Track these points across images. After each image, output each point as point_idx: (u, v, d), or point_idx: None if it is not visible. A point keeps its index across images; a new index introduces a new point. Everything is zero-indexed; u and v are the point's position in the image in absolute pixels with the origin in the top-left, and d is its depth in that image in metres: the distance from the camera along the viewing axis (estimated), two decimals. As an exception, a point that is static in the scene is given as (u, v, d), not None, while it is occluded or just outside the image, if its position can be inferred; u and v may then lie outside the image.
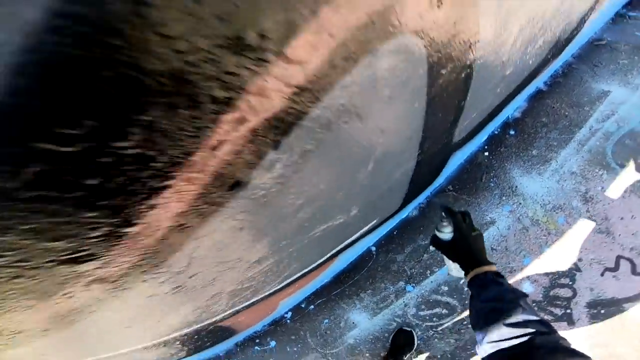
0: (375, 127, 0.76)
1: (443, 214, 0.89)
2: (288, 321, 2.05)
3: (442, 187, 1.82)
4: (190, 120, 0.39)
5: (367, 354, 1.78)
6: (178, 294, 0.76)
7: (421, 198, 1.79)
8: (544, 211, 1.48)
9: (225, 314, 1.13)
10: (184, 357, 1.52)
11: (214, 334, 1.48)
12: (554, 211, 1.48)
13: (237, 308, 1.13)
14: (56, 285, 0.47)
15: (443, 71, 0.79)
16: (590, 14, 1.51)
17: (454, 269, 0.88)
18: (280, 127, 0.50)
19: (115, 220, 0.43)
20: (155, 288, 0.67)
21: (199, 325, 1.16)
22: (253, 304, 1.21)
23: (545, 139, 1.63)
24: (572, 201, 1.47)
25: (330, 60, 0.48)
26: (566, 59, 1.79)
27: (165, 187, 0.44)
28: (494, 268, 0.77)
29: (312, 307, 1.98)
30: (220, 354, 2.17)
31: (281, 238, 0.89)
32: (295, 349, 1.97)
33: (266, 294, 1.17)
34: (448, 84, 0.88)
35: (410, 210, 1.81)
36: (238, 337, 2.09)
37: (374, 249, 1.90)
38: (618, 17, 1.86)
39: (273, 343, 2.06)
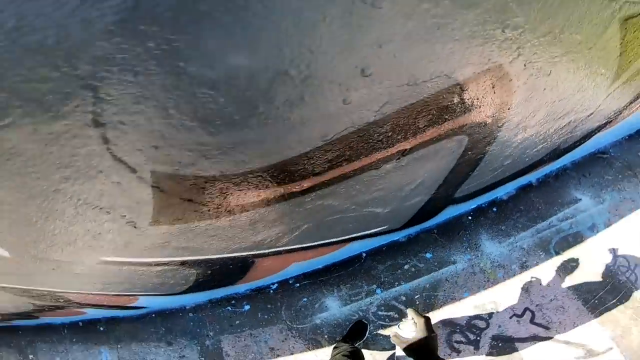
0: (424, 168, 1.31)
1: (409, 314, 1.05)
2: (271, 291, 2.38)
3: (430, 228, 2.37)
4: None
5: (325, 335, 2.21)
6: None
7: (413, 230, 2.32)
8: (491, 266, 2.06)
9: (269, 250, 1.59)
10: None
11: (232, 270, 1.84)
12: (498, 268, 2.07)
13: (278, 248, 1.59)
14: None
15: (470, 153, 1.36)
16: (599, 131, 1.97)
17: None
18: (405, 153, 1.04)
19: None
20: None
21: (236, 254, 1.56)
22: (286, 251, 1.67)
23: (515, 221, 2.25)
24: (513, 265, 2.07)
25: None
26: (564, 164, 2.35)
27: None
28: None
29: (297, 284, 2.39)
30: (187, 306, 2.41)
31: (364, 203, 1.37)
32: (266, 316, 2.30)
33: (301, 246, 1.66)
34: (468, 160, 1.45)
35: (401, 235, 2.35)
36: (219, 293, 2.34)
37: (364, 254, 2.39)
38: (637, 134, 2.37)
39: (247, 307, 2.36)
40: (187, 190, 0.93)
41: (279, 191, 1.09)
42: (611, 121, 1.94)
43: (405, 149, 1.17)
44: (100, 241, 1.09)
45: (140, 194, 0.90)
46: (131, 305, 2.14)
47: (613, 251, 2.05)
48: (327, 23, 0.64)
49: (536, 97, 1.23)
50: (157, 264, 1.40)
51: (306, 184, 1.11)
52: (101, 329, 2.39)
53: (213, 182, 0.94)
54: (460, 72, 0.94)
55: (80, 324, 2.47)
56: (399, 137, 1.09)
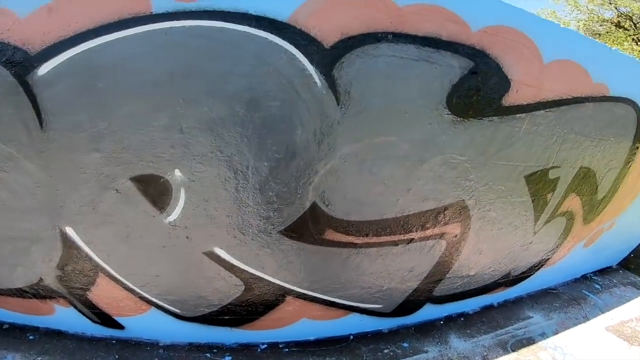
0: (419, 257, 2.05)
1: None
2: (259, 350, 2.56)
3: (408, 326, 2.82)
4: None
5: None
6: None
7: (395, 324, 2.83)
8: (457, 356, 2.56)
9: (302, 290, 2.10)
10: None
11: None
12: (463, 358, 2.46)
13: (309, 292, 2.10)
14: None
15: (446, 256, 2.11)
16: (541, 267, 2.90)
17: None
18: (411, 242, 1.80)
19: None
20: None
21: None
22: (310, 297, 2.17)
23: (478, 327, 2.86)
24: (476, 357, 2.49)
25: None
26: (520, 294, 3.21)
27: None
28: None
29: (287, 350, 2.63)
30: (160, 342, 2.29)
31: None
32: (244, 375, 2.68)
33: (320, 296, 2.15)
34: (445, 262, 2.30)
35: (385, 326, 2.78)
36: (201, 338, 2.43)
37: (351, 336, 2.74)
38: (582, 279, 3.27)
39: (228, 359, 2.39)
40: (317, 218, 1.81)
41: (348, 239, 1.91)
42: (549, 258, 2.73)
43: (413, 238, 1.97)
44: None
45: (295, 210, 1.76)
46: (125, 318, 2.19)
47: (560, 349, 2.49)
48: (404, 169, 1.66)
49: (484, 227, 2.06)
50: (236, 270, 1.91)
51: (361, 240, 1.94)
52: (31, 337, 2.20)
53: (327, 219, 1.80)
54: (445, 200, 1.98)
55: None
56: (412, 228, 2.07)
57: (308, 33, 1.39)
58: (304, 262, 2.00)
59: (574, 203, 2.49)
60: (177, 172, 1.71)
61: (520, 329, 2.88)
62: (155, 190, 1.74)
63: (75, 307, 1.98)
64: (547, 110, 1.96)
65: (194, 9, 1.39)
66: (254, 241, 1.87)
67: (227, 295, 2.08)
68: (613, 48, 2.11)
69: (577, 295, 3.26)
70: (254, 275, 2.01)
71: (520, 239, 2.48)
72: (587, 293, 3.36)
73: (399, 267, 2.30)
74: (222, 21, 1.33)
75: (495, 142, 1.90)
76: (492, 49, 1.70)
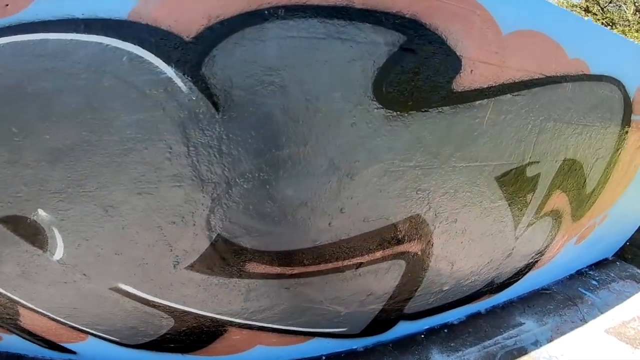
0: (375, 280, 1.68)
1: None
2: None
3: (386, 342, 2.47)
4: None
5: None
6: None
7: (370, 341, 2.41)
8: None
9: (246, 321, 1.77)
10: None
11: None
12: None
13: (254, 322, 1.77)
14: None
15: (410, 275, 1.73)
16: (530, 270, 2.42)
17: None
18: (360, 266, 1.42)
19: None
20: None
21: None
22: (258, 327, 1.83)
23: (463, 339, 2.43)
24: None
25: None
26: (510, 297, 2.70)
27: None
28: None
29: None
30: None
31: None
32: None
33: (271, 325, 1.83)
34: (410, 281, 1.81)
35: (359, 345, 2.42)
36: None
37: (324, 357, 2.42)
38: (577, 274, 2.83)
39: None
40: (229, 252, 1.41)
41: (276, 270, 1.49)
42: (537, 261, 2.34)
43: (361, 262, 1.59)
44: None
45: (200, 244, 1.36)
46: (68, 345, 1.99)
47: (555, 359, 2.14)
48: (329, 187, 1.26)
49: (452, 238, 1.67)
50: (154, 305, 1.55)
51: (295, 270, 1.52)
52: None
53: (245, 252, 1.41)
54: (394, 217, 1.50)
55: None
56: (357, 252, 1.56)
57: (158, 27, 1.00)
58: (231, 295, 1.55)
59: (560, 200, 1.95)
60: (41, 212, 1.40)
61: (511, 338, 2.40)
62: (27, 231, 1.46)
63: (18, 335, 1.89)
64: (515, 93, 1.41)
65: (9, 24, 0.99)
66: (161, 276, 1.42)
67: (159, 326, 1.80)
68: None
69: (573, 295, 2.74)
70: (177, 308, 1.58)
71: (500, 247, 2.00)
72: (584, 291, 2.84)
73: (354, 292, 1.75)
74: (44, 32, 1.00)
75: (450, 139, 1.39)
76: (428, 18, 1.19)
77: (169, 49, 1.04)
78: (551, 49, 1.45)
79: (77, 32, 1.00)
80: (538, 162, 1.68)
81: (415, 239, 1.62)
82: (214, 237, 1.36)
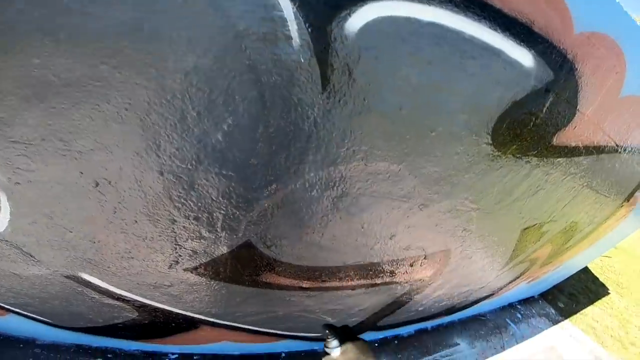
0: (376, 298, 1.54)
1: (327, 332, 0.92)
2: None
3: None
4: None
5: None
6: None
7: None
8: None
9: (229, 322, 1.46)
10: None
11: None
12: None
13: (237, 324, 1.47)
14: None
15: (404, 297, 1.64)
16: (484, 300, 2.57)
17: None
18: (374, 285, 1.18)
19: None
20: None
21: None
22: (235, 327, 1.57)
23: (408, 353, 2.58)
24: None
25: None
26: (453, 319, 2.94)
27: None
28: None
29: None
30: (38, 342, 1.74)
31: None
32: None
33: (253, 328, 1.55)
34: (400, 301, 1.77)
35: (319, 346, 2.32)
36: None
37: (283, 354, 2.26)
38: (508, 306, 3.14)
39: None
40: (248, 259, 1.10)
41: (293, 283, 1.24)
42: (494, 294, 2.49)
43: (376, 283, 1.44)
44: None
45: (217, 249, 1.03)
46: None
47: None
48: (396, 212, 1.03)
49: (457, 271, 1.60)
50: (122, 299, 1.15)
51: (312, 284, 1.29)
52: None
53: (266, 260, 1.11)
54: (428, 249, 1.37)
55: None
56: (378, 274, 1.38)
57: None
58: (225, 299, 1.35)
59: (544, 252, 2.06)
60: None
61: (446, 356, 2.60)
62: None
63: None
64: (585, 156, 1.31)
65: None
66: (146, 273, 1.12)
67: (116, 317, 1.40)
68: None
69: (500, 324, 3.08)
70: (150, 305, 1.33)
71: (482, 281, 2.06)
72: (509, 322, 3.21)
73: (349, 307, 1.73)
74: None
75: (518, 188, 1.26)
76: (583, 62, 0.96)
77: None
78: (635, 121, 1.36)
79: None
80: (556, 221, 1.66)
81: (431, 269, 1.48)
82: (236, 244, 1.03)
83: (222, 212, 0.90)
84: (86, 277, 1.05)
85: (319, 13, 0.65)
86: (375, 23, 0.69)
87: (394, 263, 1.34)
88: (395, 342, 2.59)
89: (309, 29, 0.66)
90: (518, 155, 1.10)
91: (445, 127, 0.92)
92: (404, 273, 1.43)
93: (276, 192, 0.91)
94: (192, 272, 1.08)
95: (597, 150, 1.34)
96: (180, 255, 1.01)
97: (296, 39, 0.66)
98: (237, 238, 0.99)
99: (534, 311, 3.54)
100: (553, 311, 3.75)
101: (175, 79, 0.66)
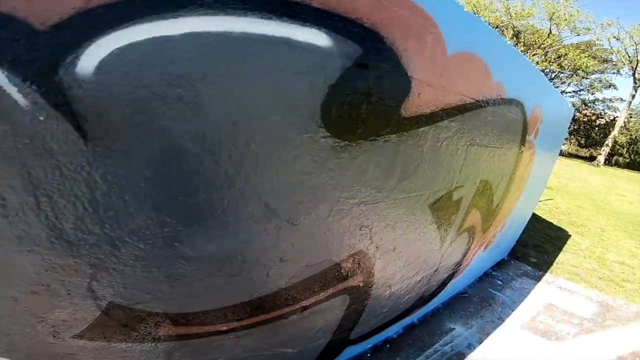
0: (322, 318, 1.45)
1: None
2: None
3: (334, 366, 2.22)
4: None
5: None
6: None
7: None
8: None
9: None
10: None
11: None
12: None
13: None
14: None
15: (354, 306, 1.51)
16: (451, 279, 2.50)
17: None
18: (306, 308, 1.07)
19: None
20: None
21: None
22: None
23: (406, 352, 2.41)
24: None
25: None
26: (436, 305, 2.81)
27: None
28: None
29: None
30: None
31: None
32: None
33: None
34: (354, 311, 1.63)
35: None
36: None
37: None
38: (484, 276, 3.06)
39: None
40: (131, 319, 0.95)
41: (205, 329, 1.10)
42: (456, 271, 2.45)
43: (306, 305, 1.33)
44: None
45: (85, 314, 0.88)
46: None
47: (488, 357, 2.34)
48: (265, 236, 0.96)
49: (390, 265, 1.52)
50: None
51: (230, 326, 1.15)
52: None
53: (155, 316, 0.97)
54: (337, 257, 1.27)
55: None
56: (301, 297, 1.27)
57: None
58: (148, 356, 1.16)
59: (474, 218, 2.05)
60: None
61: (447, 344, 2.48)
62: None
63: None
64: (451, 119, 1.34)
65: None
66: (38, 347, 0.95)
67: None
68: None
69: (485, 296, 3.00)
70: None
71: (430, 265, 2.01)
72: (493, 291, 3.13)
73: (299, 333, 1.59)
74: None
75: (394, 170, 1.24)
76: (387, 30, 0.96)
77: (7, 42, 0.53)
78: (483, 73, 1.44)
79: None
80: (462, 186, 1.69)
81: (358, 274, 1.41)
82: (104, 305, 0.90)
83: (59, 281, 0.77)
84: None
85: (37, 69, 0.59)
86: (116, 55, 0.64)
87: (308, 282, 1.24)
88: (388, 346, 2.42)
89: (33, 88, 0.59)
90: (371, 138, 1.09)
91: (263, 136, 0.87)
92: (327, 288, 1.34)
93: (117, 249, 0.80)
94: (82, 339, 0.91)
95: (459, 110, 1.39)
96: (54, 326, 0.84)
97: (24, 104, 0.59)
98: (100, 301, 0.85)
99: (511, 274, 3.53)
100: (529, 268, 3.80)
101: None
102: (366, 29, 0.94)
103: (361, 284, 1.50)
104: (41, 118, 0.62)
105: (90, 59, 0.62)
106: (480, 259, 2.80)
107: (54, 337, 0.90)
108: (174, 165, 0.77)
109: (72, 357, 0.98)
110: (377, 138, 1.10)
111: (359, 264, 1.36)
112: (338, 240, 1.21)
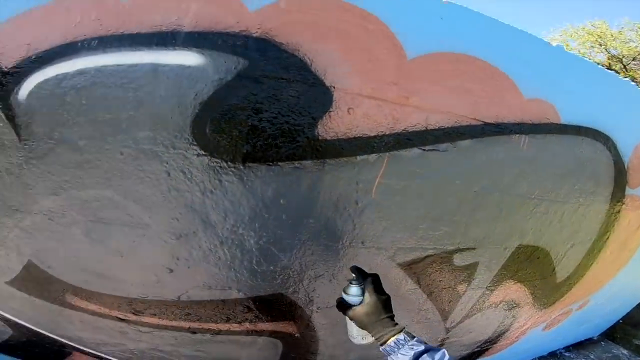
0: (246, 352, 1.30)
1: (353, 275, 0.84)
2: None
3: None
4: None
5: None
6: None
7: None
8: None
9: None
10: None
11: None
12: None
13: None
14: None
15: (292, 356, 1.32)
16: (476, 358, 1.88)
17: (360, 336, 0.82)
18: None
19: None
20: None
21: None
22: None
23: None
24: None
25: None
26: None
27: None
28: (405, 330, 0.76)
29: None
30: None
31: None
32: None
33: None
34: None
35: None
36: None
37: None
38: (549, 355, 2.36)
39: None
40: (42, 279, 1.11)
41: (104, 311, 1.17)
42: (489, 349, 1.77)
43: (221, 330, 1.20)
44: None
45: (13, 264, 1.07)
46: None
47: None
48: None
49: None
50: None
51: (129, 317, 1.20)
52: None
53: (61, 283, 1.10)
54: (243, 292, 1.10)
55: None
56: (201, 318, 1.17)
57: None
58: (60, 319, 1.27)
59: (514, 291, 1.41)
60: None
61: None
62: None
63: None
64: (427, 147, 0.91)
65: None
66: None
67: (3, 332, 1.44)
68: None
69: None
70: (10, 319, 1.35)
71: (425, 336, 1.59)
72: None
73: (220, 357, 1.52)
74: None
75: (316, 206, 0.95)
76: (286, 36, 0.80)
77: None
78: (494, 83, 0.94)
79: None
80: (474, 248, 1.15)
81: (283, 320, 1.17)
82: (25, 261, 1.08)
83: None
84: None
85: (1, 94, 0.82)
86: (36, 88, 0.81)
87: (209, 306, 1.12)
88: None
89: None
90: (270, 162, 0.86)
91: (132, 148, 0.83)
92: (239, 319, 1.17)
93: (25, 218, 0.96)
94: (13, 287, 1.14)
95: (446, 135, 0.93)
96: None
97: None
98: (22, 256, 1.05)
99: (592, 357, 2.48)
100: (624, 352, 2.62)
101: None
102: (249, 38, 0.79)
103: (294, 334, 1.25)
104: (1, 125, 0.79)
105: (23, 91, 0.82)
106: (539, 338, 1.91)
107: None
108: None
109: (8, 300, 1.20)
110: (280, 162, 0.87)
111: (280, 307, 1.12)
112: (230, 271, 1.03)
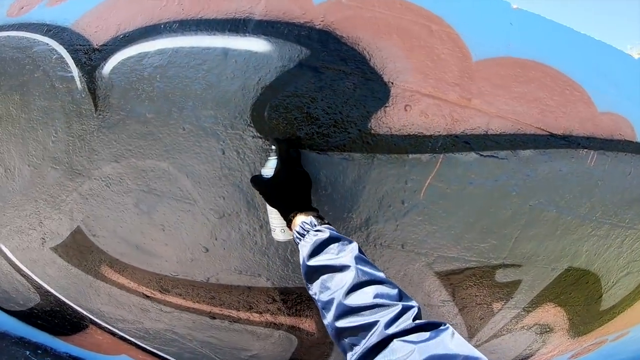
0: (258, 344, 1.29)
1: (272, 146, 0.78)
2: None
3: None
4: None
5: None
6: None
7: None
8: None
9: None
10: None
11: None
12: None
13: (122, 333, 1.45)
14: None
15: (304, 356, 1.30)
16: None
17: (279, 227, 0.76)
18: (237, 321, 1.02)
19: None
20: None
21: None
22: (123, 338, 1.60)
23: None
24: None
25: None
26: None
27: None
28: (316, 214, 0.70)
29: None
30: None
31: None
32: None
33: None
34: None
35: None
36: None
37: None
38: None
39: None
40: (86, 247, 1.24)
41: (134, 286, 1.23)
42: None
43: (240, 318, 1.22)
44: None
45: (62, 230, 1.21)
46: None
47: None
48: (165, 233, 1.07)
49: None
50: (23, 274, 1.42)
51: (156, 295, 1.25)
52: None
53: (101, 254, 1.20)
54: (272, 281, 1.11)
55: None
56: (228, 305, 1.20)
57: (81, 34, 1.00)
58: (89, 291, 1.34)
59: (551, 314, 1.28)
60: None
61: None
62: None
63: None
64: (485, 153, 0.86)
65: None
66: (30, 249, 1.29)
67: (27, 298, 1.57)
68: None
69: None
70: (41, 286, 1.44)
71: None
72: None
73: (228, 346, 1.38)
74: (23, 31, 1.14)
75: (361, 200, 0.93)
76: (348, 29, 0.82)
77: (80, 53, 0.98)
78: (565, 93, 0.88)
79: (40, 33, 1.05)
80: (520, 266, 1.05)
81: (306, 317, 1.12)
82: (74, 227, 1.16)
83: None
84: (3, 248, 1.34)
85: (88, 68, 0.95)
86: (119, 64, 0.92)
87: (233, 291, 1.11)
88: None
89: (84, 77, 0.96)
90: (318, 150, 0.86)
91: (194, 124, 0.88)
92: (257, 312, 1.14)
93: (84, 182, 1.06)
94: (56, 253, 1.24)
95: (508, 141, 0.88)
96: (45, 234, 1.21)
97: (79, 85, 0.97)
98: (73, 222, 1.14)
99: None
100: None
101: None
102: (314, 30, 0.83)
103: (318, 335, 1.19)
104: (83, 95, 0.90)
105: (108, 66, 0.88)
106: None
107: (42, 244, 1.26)
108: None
109: (46, 266, 1.32)
110: (328, 152, 0.86)
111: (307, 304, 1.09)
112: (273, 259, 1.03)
